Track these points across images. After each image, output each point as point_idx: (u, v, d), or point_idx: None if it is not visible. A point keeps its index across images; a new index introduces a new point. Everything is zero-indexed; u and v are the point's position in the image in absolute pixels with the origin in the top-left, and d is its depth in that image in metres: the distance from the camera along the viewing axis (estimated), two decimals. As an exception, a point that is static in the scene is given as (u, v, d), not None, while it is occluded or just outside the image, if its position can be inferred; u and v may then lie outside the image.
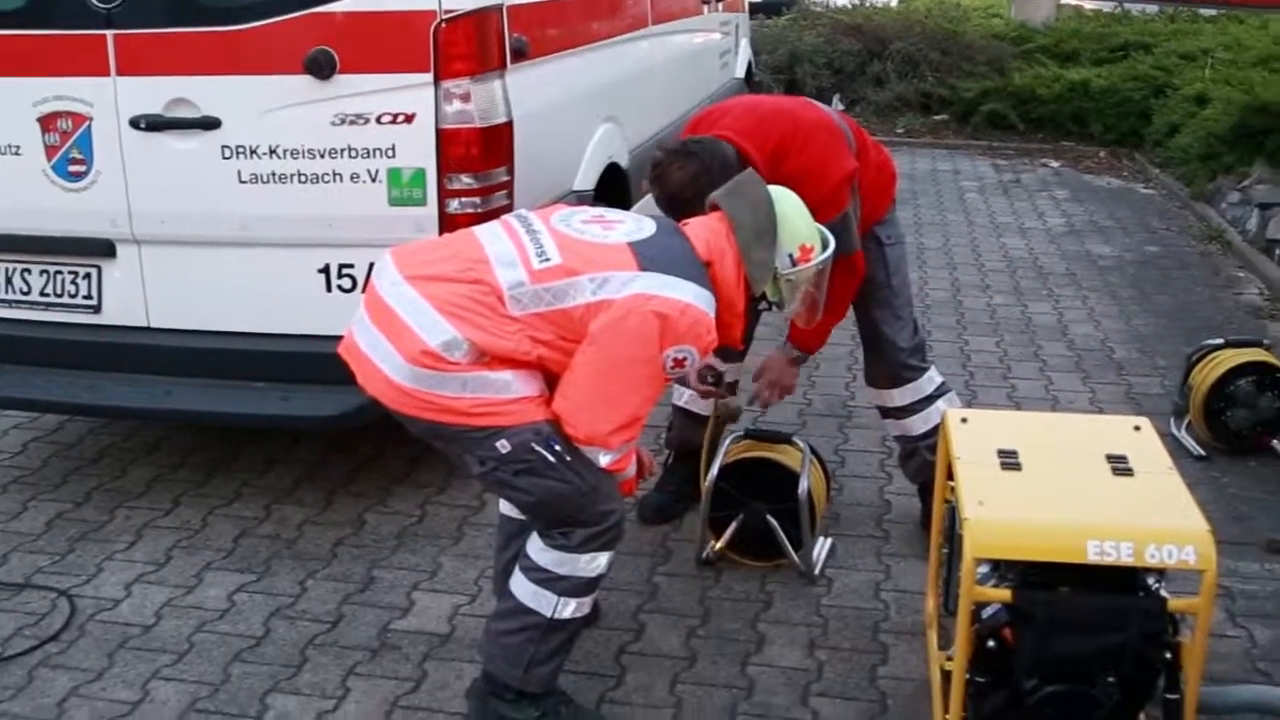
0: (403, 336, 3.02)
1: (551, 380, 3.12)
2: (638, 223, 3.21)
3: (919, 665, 3.70)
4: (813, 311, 3.43)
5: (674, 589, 4.12)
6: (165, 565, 4.30)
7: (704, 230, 3.24)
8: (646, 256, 3.06)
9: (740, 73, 9.24)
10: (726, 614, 3.97)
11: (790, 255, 3.28)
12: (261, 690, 3.62)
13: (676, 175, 3.64)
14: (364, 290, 3.29)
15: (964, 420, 3.49)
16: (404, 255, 3.18)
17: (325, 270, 4.27)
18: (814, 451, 4.29)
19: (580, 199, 4.91)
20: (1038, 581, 3.00)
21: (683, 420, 4.54)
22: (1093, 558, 2.88)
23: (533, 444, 3.05)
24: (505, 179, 4.23)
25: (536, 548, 3.21)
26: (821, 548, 4.28)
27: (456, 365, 2.99)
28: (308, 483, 4.90)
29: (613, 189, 5.40)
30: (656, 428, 5.02)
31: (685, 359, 3.04)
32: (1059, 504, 3.04)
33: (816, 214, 3.77)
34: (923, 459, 4.32)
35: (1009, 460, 3.23)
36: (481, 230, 3.22)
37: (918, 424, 4.33)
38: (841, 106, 13.18)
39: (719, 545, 4.21)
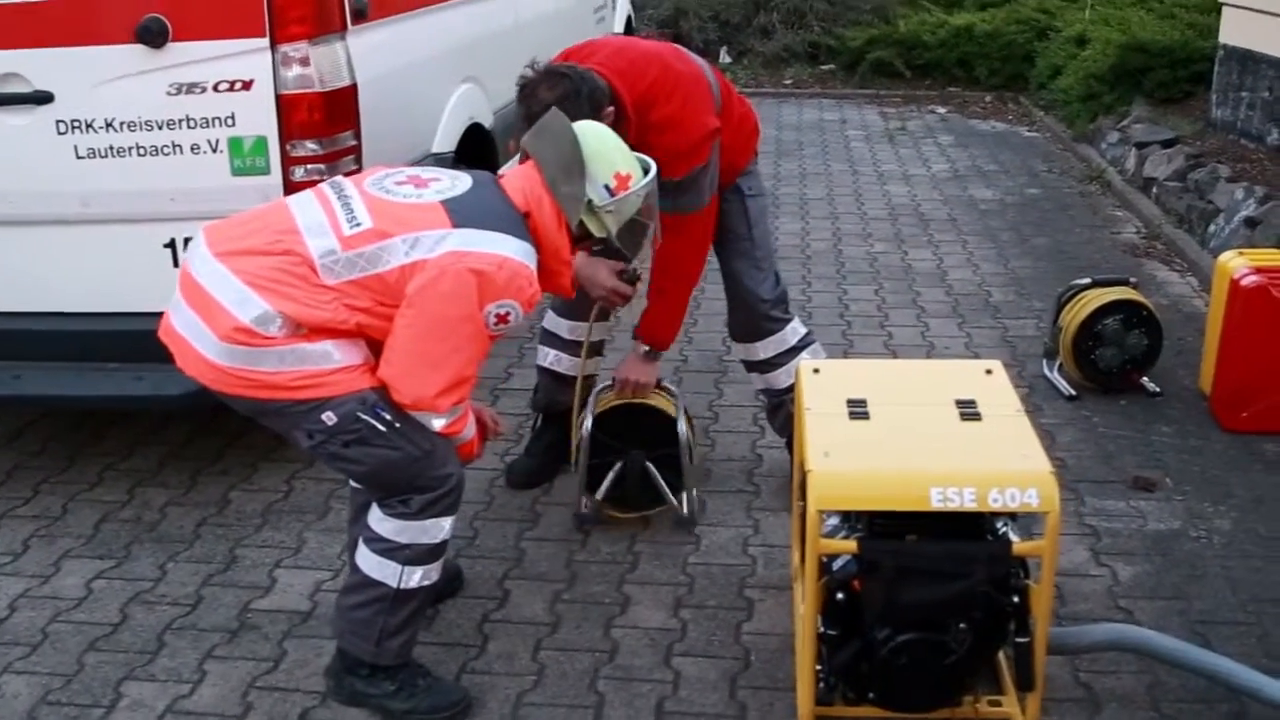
0: (215, 314, 2.95)
1: (377, 347, 3.05)
2: (453, 180, 3.15)
3: (784, 620, 3.69)
4: (641, 247, 3.38)
5: (541, 554, 4.09)
6: (22, 555, 4.18)
7: (520, 180, 3.18)
8: (459, 213, 3.01)
9: (619, 28, 9.15)
10: (593, 577, 3.95)
11: (606, 186, 3.22)
12: (116, 678, 3.53)
13: (544, 95, 3.56)
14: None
15: (816, 371, 3.48)
16: (214, 231, 3.10)
17: (171, 245, 4.16)
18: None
19: (439, 161, 4.83)
20: (885, 531, 3.00)
21: (548, 381, 4.49)
22: (936, 504, 2.87)
23: (359, 413, 3.00)
24: (352, 144, 4.14)
25: (376, 518, 3.16)
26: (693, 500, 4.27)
27: (271, 339, 2.93)
28: (172, 463, 4.79)
29: (476, 150, 5.32)
30: (524, 391, 4.98)
31: (509, 314, 2.99)
32: (904, 452, 3.03)
33: (675, 165, 3.77)
34: (789, 412, 4.29)
35: (857, 410, 3.22)
36: (293, 200, 3.14)
37: (782, 377, 4.32)
38: (729, 60, 13.14)
39: (598, 497, 4.17)
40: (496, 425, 3.56)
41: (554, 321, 4.44)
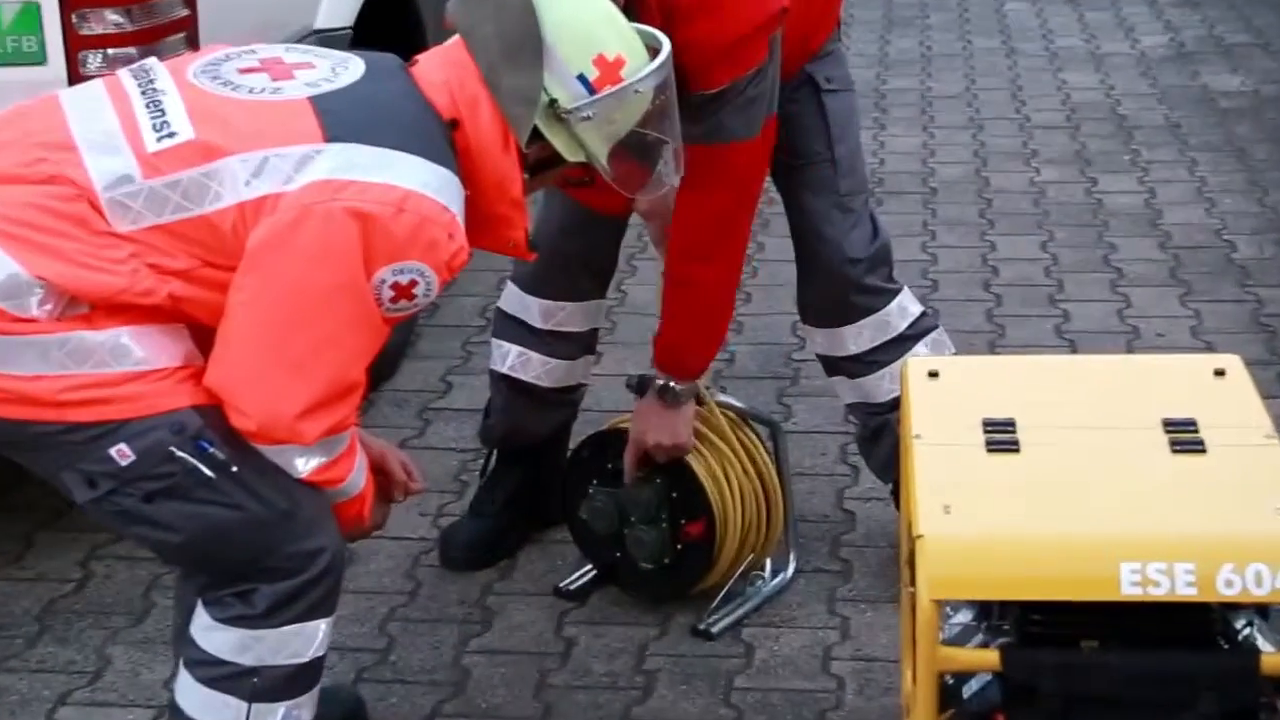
0: None
1: (208, 339, 3.05)
2: (336, 65, 3.16)
3: (889, 779, 3.69)
4: (650, 181, 3.38)
5: (495, 675, 4.10)
6: None
7: (444, 69, 3.19)
8: (338, 118, 3.01)
9: None
10: (579, 712, 3.95)
11: (581, 77, 3.19)
12: None
13: None
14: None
15: (933, 375, 3.44)
16: None
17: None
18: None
19: (327, 42, 4.82)
20: (1046, 634, 2.98)
21: (510, 397, 4.50)
22: (1129, 592, 2.82)
23: (172, 447, 2.98)
24: (181, 14, 4.21)
25: (203, 625, 3.15)
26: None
27: (29, 323, 2.92)
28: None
29: (390, 25, 5.36)
30: (471, 412, 4.96)
31: (414, 284, 3.00)
32: (1074, 505, 2.99)
33: (709, 70, 3.76)
34: (896, 440, 4.28)
35: (1000, 436, 3.18)
36: (71, 96, 3.15)
37: (884, 384, 4.31)
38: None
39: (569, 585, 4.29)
40: (410, 477, 3.53)
41: (519, 301, 4.45)
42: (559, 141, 3.22)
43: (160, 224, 2.96)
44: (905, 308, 4.35)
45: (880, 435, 4.40)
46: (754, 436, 4.30)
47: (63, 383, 2.94)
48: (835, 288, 4.30)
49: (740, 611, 4.26)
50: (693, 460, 4.14)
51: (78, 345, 2.94)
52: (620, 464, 4.20)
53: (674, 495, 4.15)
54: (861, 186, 4.33)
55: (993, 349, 5.59)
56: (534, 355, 4.43)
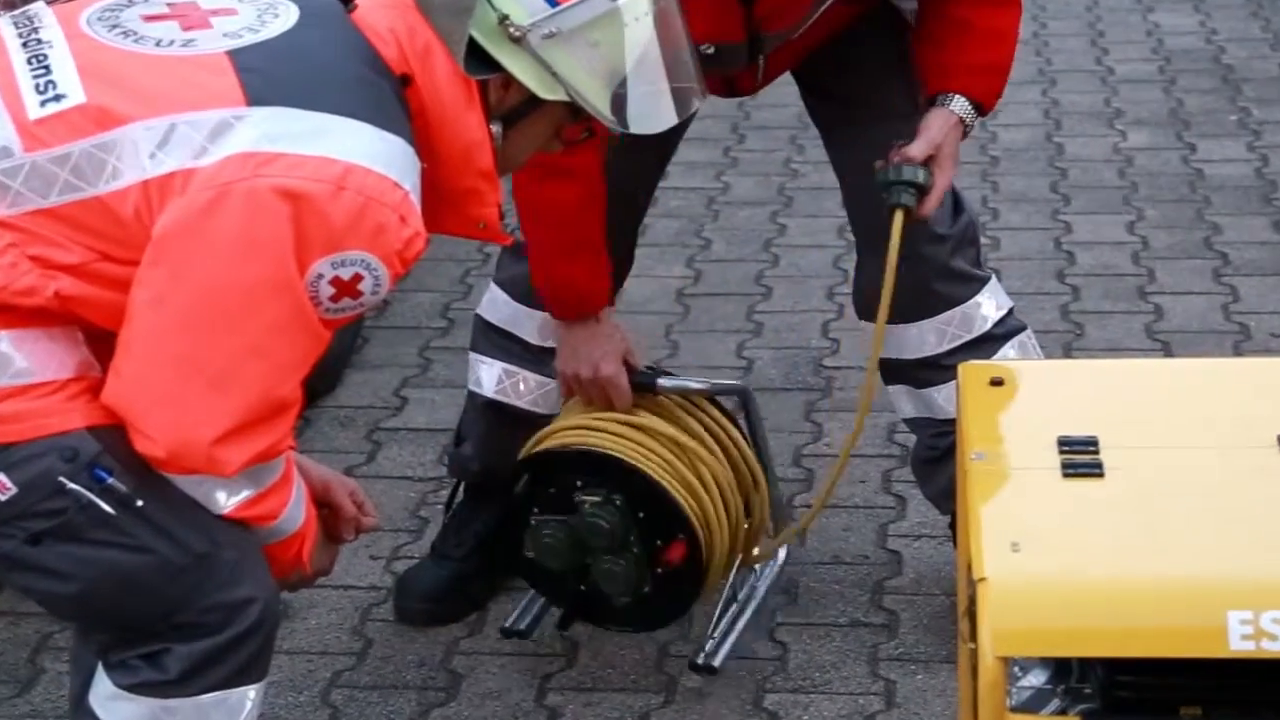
0: None
1: (107, 347, 3.04)
2: (263, 12, 3.15)
3: None
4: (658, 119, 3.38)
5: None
6: None
7: (386, 11, 3.18)
8: (262, 75, 3.01)
9: None
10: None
11: None
12: None
13: None
14: None
15: (996, 382, 3.42)
16: None
17: None
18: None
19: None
20: (1137, 698, 2.96)
21: (492, 426, 4.53)
22: (1239, 648, 2.81)
23: (62, 477, 2.98)
24: None
25: (104, 694, 3.15)
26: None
27: None
28: None
29: None
30: (434, 433, 4.95)
31: (360, 279, 2.99)
32: (1172, 542, 2.99)
33: None
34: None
35: (1079, 458, 3.16)
36: None
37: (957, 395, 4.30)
38: None
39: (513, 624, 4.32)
40: (361, 510, 3.54)
41: (508, 312, 4.48)
42: (523, 71, 3.19)
43: (45, 208, 2.96)
44: (995, 300, 4.39)
45: (948, 457, 4.31)
46: (718, 413, 4.29)
47: None
48: (915, 272, 4.28)
49: (740, 625, 4.26)
50: (654, 470, 4.11)
51: None
52: (564, 487, 4.15)
53: (640, 515, 4.11)
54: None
55: (1069, 352, 5.61)
56: (528, 375, 4.46)
